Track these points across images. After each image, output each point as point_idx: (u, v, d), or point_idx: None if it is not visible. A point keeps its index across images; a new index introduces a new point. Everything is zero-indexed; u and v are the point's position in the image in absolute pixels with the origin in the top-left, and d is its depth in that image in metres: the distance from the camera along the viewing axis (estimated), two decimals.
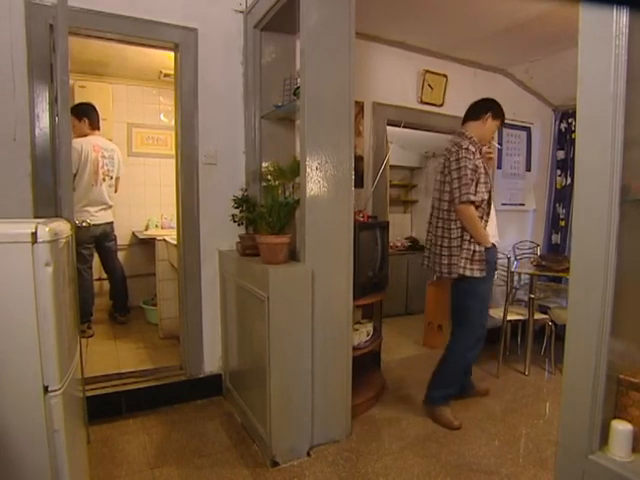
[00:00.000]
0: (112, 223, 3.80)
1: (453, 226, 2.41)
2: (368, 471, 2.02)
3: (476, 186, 2.36)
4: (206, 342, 2.73)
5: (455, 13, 2.80)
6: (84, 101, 3.74)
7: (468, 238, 2.38)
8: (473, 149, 2.38)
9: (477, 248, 2.37)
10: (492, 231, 2.52)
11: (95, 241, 3.66)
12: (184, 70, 2.54)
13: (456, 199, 2.35)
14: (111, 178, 3.71)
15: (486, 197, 2.39)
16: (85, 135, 3.55)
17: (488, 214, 2.44)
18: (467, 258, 2.37)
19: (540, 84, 3.87)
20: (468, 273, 2.36)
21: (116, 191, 3.89)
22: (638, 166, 1.16)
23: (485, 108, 2.49)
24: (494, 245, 2.48)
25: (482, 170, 2.38)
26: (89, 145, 3.54)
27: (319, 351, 2.14)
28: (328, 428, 2.22)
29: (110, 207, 3.74)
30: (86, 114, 3.58)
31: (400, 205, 5.97)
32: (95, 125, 3.63)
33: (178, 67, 2.56)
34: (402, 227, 5.92)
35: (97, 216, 3.60)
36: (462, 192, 2.32)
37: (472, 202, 2.33)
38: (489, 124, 2.48)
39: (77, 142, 3.44)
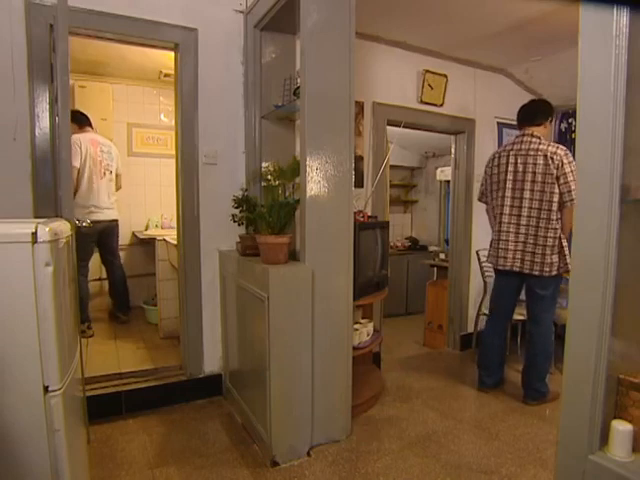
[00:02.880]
0: (117, 221, 3.81)
1: (557, 225, 2.55)
2: (368, 471, 2.02)
3: None
4: (206, 342, 2.73)
5: (455, 13, 2.79)
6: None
7: (563, 236, 2.56)
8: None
9: (566, 244, 2.57)
10: None
11: (98, 236, 3.66)
12: (184, 70, 2.54)
13: (576, 199, 2.42)
14: (111, 173, 3.72)
15: None
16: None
17: None
18: (567, 254, 2.55)
19: (540, 84, 3.87)
20: (569, 267, 2.54)
21: (119, 188, 3.91)
22: (638, 166, 1.16)
23: (545, 115, 2.70)
24: None
25: None
26: (87, 140, 3.56)
27: (319, 351, 2.14)
28: (328, 428, 2.22)
29: (113, 203, 3.75)
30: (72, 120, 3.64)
31: (400, 205, 5.97)
32: (83, 125, 3.62)
33: (178, 67, 2.56)
34: (402, 227, 5.93)
35: (104, 212, 3.63)
36: (573, 195, 2.45)
37: None
38: (549, 128, 2.71)
39: (75, 137, 3.45)
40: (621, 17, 1.08)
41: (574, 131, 3.74)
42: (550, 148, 2.55)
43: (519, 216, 2.64)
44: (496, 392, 2.89)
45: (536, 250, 2.59)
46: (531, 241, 2.61)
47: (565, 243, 2.56)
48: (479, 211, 3.64)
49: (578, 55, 1.19)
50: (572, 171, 2.48)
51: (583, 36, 1.18)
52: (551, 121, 2.73)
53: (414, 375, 3.21)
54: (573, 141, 3.78)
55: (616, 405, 1.23)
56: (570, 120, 4.07)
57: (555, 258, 2.56)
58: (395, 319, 4.73)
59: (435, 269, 4.29)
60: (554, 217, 2.54)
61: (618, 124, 1.10)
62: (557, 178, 2.51)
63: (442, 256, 4.26)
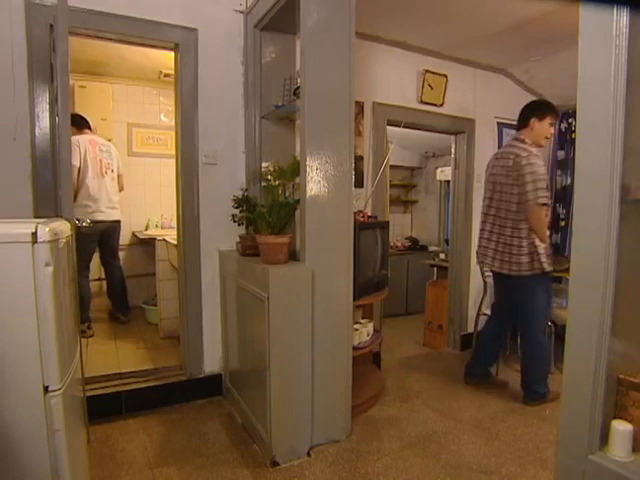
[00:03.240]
0: (119, 222, 3.82)
1: (523, 226, 2.59)
2: (368, 471, 2.02)
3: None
4: (206, 342, 2.73)
5: (455, 13, 2.79)
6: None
7: (534, 237, 2.56)
8: (539, 155, 2.58)
9: (544, 245, 2.56)
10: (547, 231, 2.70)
11: (100, 236, 3.67)
12: (184, 70, 2.54)
13: (531, 201, 2.51)
14: (112, 171, 3.73)
15: (548, 202, 2.57)
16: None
17: (547, 216, 2.62)
18: (542, 254, 2.56)
19: (540, 84, 3.87)
20: (547, 268, 2.56)
21: (122, 189, 3.91)
22: (638, 166, 1.16)
23: (530, 113, 2.69)
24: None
25: (546, 176, 2.57)
26: (85, 140, 3.58)
27: (319, 351, 2.14)
28: (328, 428, 2.22)
29: (116, 203, 3.76)
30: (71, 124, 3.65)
31: (400, 205, 5.97)
32: (81, 128, 3.64)
33: (178, 67, 2.56)
34: (402, 227, 5.93)
35: (105, 212, 3.63)
36: (538, 195, 2.49)
37: (545, 204, 2.52)
38: (537, 127, 2.66)
39: (73, 138, 3.45)
40: (621, 17, 1.08)
41: (574, 131, 3.74)
42: (516, 150, 2.62)
43: (494, 216, 2.76)
44: (496, 392, 2.89)
45: (505, 249, 2.67)
46: (501, 241, 2.70)
47: (538, 243, 2.56)
48: (479, 211, 3.64)
49: (578, 55, 1.19)
50: (531, 172, 2.51)
51: (583, 36, 1.18)
52: (541, 119, 2.65)
53: (414, 375, 3.21)
54: (573, 141, 3.78)
55: (616, 405, 1.23)
56: (570, 120, 4.07)
57: (525, 259, 2.58)
58: (395, 319, 4.73)
59: (435, 269, 4.29)
60: (518, 218, 2.60)
61: (618, 124, 1.10)
62: (517, 179, 2.57)
63: (442, 256, 4.26)
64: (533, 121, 2.66)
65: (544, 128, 2.66)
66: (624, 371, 1.22)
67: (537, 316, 2.68)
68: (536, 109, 2.68)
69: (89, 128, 3.71)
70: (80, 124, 3.62)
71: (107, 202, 3.65)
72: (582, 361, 1.20)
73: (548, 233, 2.66)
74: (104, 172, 3.64)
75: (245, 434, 2.32)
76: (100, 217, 3.56)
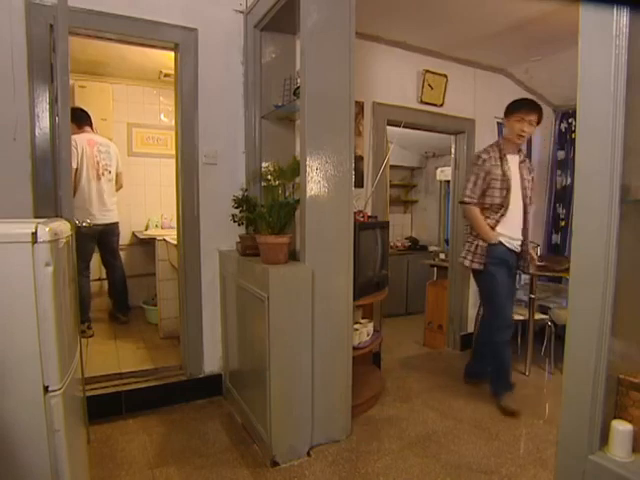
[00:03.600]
0: (117, 223, 3.81)
1: (467, 223, 2.83)
2: (368, 471, 2.02)
3: (486, 190, 2.63)
4: (206, 342, 2.73)
5: (455, 13, 2.79)
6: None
7: (474, 234, 2.69)
8: (485, 157, 2.66)
9: (480, 243, 2.64)
10: (505, 231, 2.67)
11: (98, 236, 3.66)
12: (184, 70, 2.54)
13: (459, 198, 2.75)
14: (110, 172, 3.71)
15: (497, 201, 2.62)
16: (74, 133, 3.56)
17: (502, 215, 2.64)
18: (469, 250, 2.69)
19: (540, 84, 3.87)
20: (467, 264, 2.69)
21: (121, 187, 3.90)
22: (638, 166, 1.16)
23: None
24: (502, 243, 2.65)
25: (497, 176, 2.61)
26: (83, 140, 3.55)
27: (319, 351, 2.14)
28: (328, 428, 2.22)
29: (113, 204, 3.74)
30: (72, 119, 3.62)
31: (400, 205, 5.97)
32: (82, 125, 3.61)
33: (178, 67, 2.56)
34: (402, 227, 5.93)
35: (103, 215, 3.62)
36: (462, 193, 2.70)
37: (467, 203, 2.65)
38: (507, 125, 2.78)
39: (72, 138, 3.43)
40: (621, 17, 1.08)
41: (574, 131, 3.73)
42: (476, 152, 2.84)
43: None
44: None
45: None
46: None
47: (471, 240, 2.70)
48: None
49: (578, 55, 1.19)
50: (469, 172, 2.77)
51: (583, 36, 1.18)
52: (509, 117, 2.68)
53: (414, 375, 3.21)
54: (573, 141, 3.78)
55: (616, 405, 1.23)
56: (570, 120, 4.07)
57: (465, 253, 2.72)
58: (395, 319, 4.73)
59: (435, 269, 4.29)
60: (463, 214, 2.86)
61: (618, 124, 1.10)
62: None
63: (442, 256, 4.26)
64: (504, 120, 2.77)
65: (512, 125, 2.68)
66: (624, 371, 1.22)
67: (488, 313, 2.75)
68: (506, 108, 2.75)
69: (90, 125, 3.68)
70: (81, 120, 3.58)
71: (102, 205, 3.62)
72: (582, 361, 1.20)
73: (515, 233, 2.68)
74: (100, 174, 3.62)
75: (245, 434, 2.32)
76: (95, 220, 3.54)
